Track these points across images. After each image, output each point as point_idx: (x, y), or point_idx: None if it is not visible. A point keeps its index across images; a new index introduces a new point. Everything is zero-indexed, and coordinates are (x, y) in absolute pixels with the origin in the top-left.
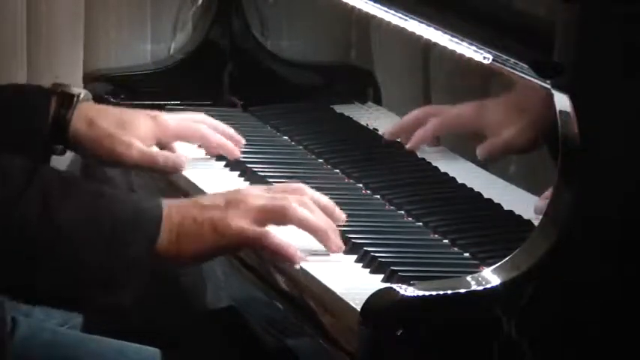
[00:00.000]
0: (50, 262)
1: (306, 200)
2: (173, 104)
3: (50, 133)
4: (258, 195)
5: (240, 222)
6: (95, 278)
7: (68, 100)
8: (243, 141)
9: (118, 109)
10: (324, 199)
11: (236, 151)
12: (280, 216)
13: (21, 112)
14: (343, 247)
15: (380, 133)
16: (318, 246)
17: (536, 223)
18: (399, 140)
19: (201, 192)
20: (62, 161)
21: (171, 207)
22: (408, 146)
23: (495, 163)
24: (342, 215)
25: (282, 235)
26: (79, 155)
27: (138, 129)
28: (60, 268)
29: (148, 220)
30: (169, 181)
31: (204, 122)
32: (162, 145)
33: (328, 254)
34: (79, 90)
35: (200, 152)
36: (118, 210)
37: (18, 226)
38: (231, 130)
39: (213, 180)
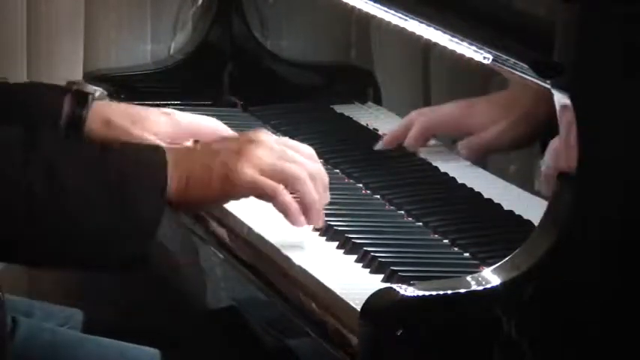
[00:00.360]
0: (62, 227)
1: (316, 173)
2: (173, 104)
3: (64, 132)
4: (272, 149)
5: (251, 172)
6: (109, 235)
7: (83, 99)
8: None
9: (132, 106)
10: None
11: None
12: (286, 182)
13: (34, 110)
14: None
15: (380, 133)
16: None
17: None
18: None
19: None
20: None
21: (179, 153)
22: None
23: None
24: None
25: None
26: None
27: (153, 125)
28: (71, 231)
29: (154, 170)
30: None
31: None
32: (177, 143)
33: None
34: (94, 88)
35: None
36: (123, 165)
37: (24, 195)
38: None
39: None
